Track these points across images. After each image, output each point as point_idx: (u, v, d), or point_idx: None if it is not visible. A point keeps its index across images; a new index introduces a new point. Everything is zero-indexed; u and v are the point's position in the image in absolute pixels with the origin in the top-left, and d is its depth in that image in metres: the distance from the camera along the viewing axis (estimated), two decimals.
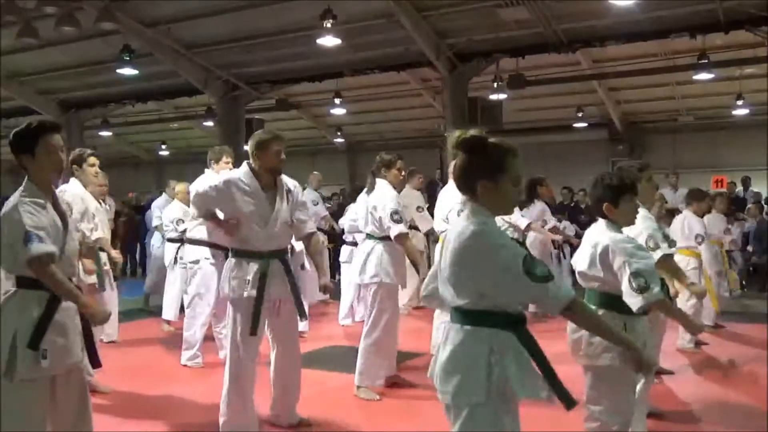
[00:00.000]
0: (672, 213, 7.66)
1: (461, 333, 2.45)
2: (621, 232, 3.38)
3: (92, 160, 5.51)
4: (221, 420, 4.36)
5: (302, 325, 7.46)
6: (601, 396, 3.37)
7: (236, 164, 6.19)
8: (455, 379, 2.41)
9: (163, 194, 10.60)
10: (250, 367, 4.39)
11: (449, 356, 2.45)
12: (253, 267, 4.31)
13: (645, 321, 3.39)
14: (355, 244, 8.10)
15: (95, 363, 3.30)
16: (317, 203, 10.47)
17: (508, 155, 2.48)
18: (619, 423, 3.33)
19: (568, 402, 2.45)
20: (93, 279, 5.10)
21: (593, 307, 3.23)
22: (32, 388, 2.97)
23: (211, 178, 6.15)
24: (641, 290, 3.16)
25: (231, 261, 4.40)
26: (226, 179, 4.45)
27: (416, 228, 8.66)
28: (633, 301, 3.19)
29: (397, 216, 5.35)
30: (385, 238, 5.47)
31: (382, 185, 5.55)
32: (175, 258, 7.73)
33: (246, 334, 4.31)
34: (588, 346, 3.32)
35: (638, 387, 3.71)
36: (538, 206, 8.66)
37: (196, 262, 6.53)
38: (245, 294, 4.28)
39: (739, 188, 14.66)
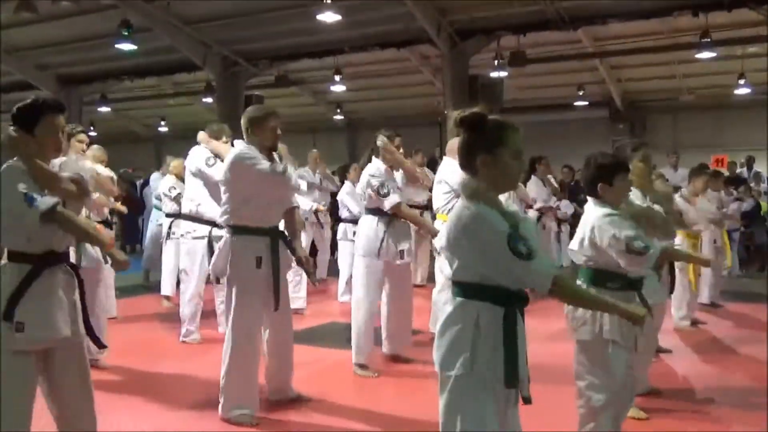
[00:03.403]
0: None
1: (453, 305, 2.48)
2: (607, 209, 3.40)
3: (81, 137, 5.47)
4: (222, 399, 4.28)
5: (300, 303, 7.50)
6: (585, 371, 3.40)
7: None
8: (443, 349, 2.45)
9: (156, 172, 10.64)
10: (259, 345, 4.39)
11: (440, 327, 2.49)
12: (265, 243, 4.29)
13: (635, 297, 3.39)
14: (351, 221, 8.07)
15: (97, 344, 3.33)
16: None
17: (507, 129, 2.48)
18: (602, 399, 3.32)
19: (513, 386, 2.39)
20: (96, 254, 5.07)
21: (582, 283, 3.31)
22: (15, 361, 2.91)
23: (203, 152, 6.12)
24: (645, 249, 3.23)
25: (237, 238, 4.30)
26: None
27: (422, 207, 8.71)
28: (640, 260, 3.24)
29: (384, 190, 5.31)
30: (368, 213, 5.49)
31: (373, 162, 5.53)
32: (169, 232, 7.74)
33: (259, 310, 4.30)
34: (572, 320, 3.39)
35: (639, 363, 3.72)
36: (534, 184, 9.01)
37: (183, 236, 6.53)
38: (261, 270, 4.26)
39: (741, 169, 14.55)
